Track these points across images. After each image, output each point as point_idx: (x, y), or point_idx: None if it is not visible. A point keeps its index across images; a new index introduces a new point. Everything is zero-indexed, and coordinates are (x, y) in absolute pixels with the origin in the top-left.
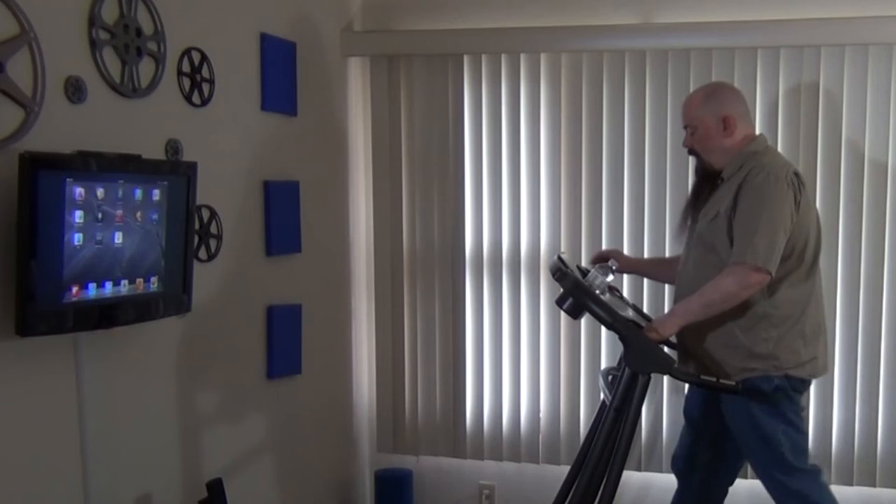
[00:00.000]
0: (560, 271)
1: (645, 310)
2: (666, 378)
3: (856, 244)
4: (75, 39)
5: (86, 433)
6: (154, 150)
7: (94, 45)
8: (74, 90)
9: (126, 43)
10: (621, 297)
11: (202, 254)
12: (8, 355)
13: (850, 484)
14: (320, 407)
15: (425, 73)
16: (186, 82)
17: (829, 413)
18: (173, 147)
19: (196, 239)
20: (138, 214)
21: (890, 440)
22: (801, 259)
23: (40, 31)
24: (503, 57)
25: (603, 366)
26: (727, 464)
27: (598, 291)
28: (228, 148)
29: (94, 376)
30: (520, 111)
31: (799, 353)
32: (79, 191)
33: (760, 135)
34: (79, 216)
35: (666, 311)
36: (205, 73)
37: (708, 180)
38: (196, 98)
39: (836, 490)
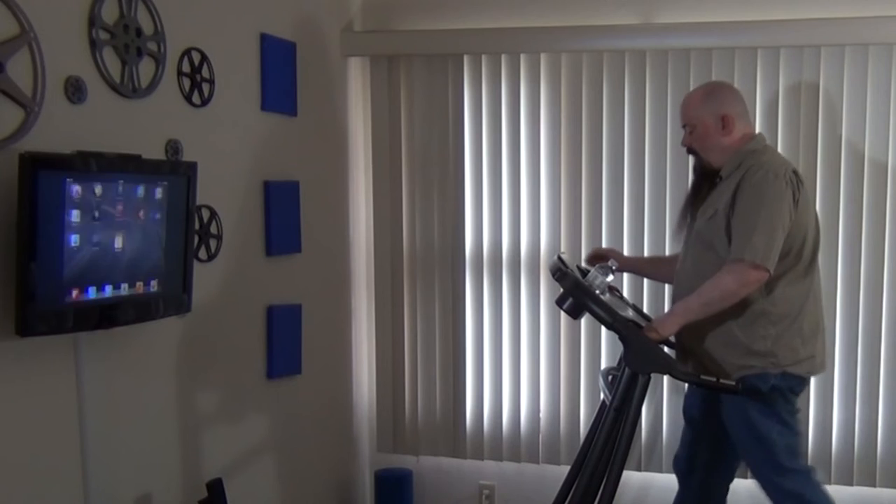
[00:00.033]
0: (560, 271)
1: (645, 310)
2: (666, 378)
3: (856, 244)
4: (75, 39)
5: (86, 433)
6: (154, 150)
7: (94, 45)
8: (74, 90)
9: (126, 43)
10: (621, 297)
11: (202, 254)
12: (8, 355)
13: (850, 484)
14: (320, 407)
15: (425, 73)
16: (186, 82)
17: (829, 413)
18: (173, 147)
19: (196, 239)
20: (140, 213)
21: (890, 440)
22: (800, 257)
23: (40, 31)
24: (503, 57)
25: (603, 366)
26: (726, 463)
27: (598, 291)
28: (228, 148)
29: (94, 376)
30: (520, 111)
31: (797, 351)
32: (78, 190)
33: (759, 133)
34: (79, 216)
35: (666, 310)
36: (205, 73)
37: (706, 179)
38: (196, 98)
39: (837, 490)
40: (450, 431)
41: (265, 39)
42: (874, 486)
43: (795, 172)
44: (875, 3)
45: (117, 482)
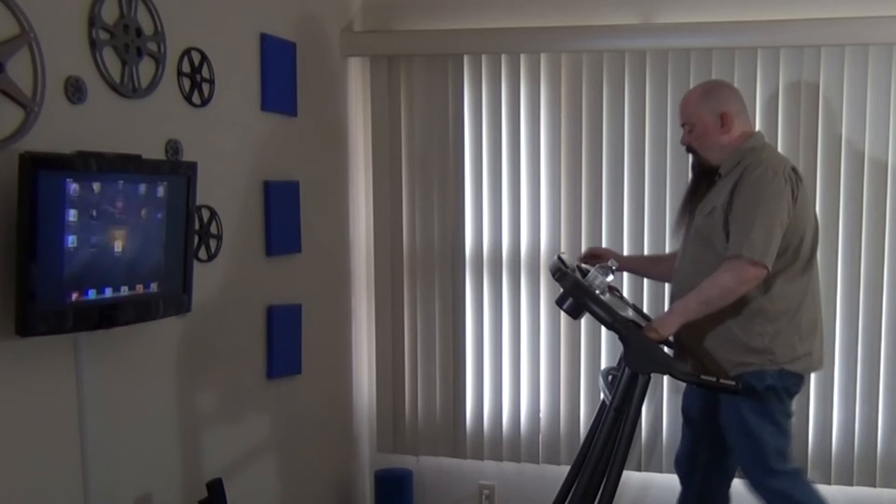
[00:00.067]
0: (560, 271)
1: (645, 310)
2: (666, 378)
3: (856, 244)
4: (75, 39)
5: (86, 433)
6: (154, 151)
7: (94, 45)
8: (74, 90)
9: (126, 43)
10: (621, 297)
11: (202, 254)
12: (8, 355)
13: (850, 484)
14: (320, 407)
15: (425, 73)
16: (186, 82)
17: (829, 413)
18: (173, 147)
19: (196, 239)
20: (141, 213)
21: (890, 440)
22: (798, 254)
23: (40, 31)
24: (503, 57)
25: (603, 366)
26: (727, 463)
27: (598, 291)
28: (228, 148)
29: (94, 376)
30: (520, 111)
31: (795, 348)
32: (78, 190)
33: (758, 132)
34: (79, 216)
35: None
36: (205, 73)
37: (705, 177)
38: (196, 98)
39: (837, 490)
40: (450, 431)
41: (265, 39)
42: (874, 486)
43: (794, 170)
44: (875, 3)
45: (117, 482)
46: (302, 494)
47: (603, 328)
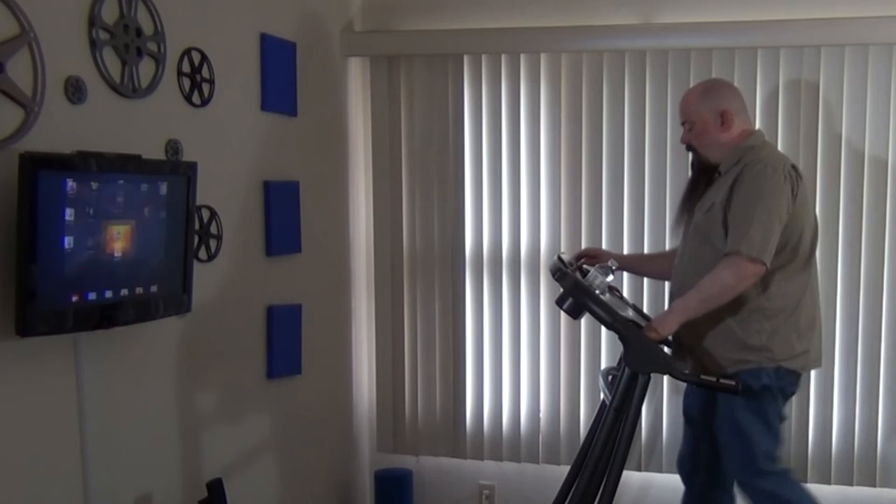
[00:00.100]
0: (560, 271)
1: (645, 309)
2: (666, 378)
3: (856, 244)
4: (75, 39)
5: (86, 433)
6: (154, 150)
7: (94, 45)
8: (74, 90)
9: (126, 43)
10: (621, 297)
11: (202, 254)
12: (8, 355)
13: (851, 484)
14: (320, 407)
15: (425, 73)
16: (186, 82)
17: (829, 413)
18: (173, 147)
19: (196, 239)
20: (143, 212)
21: (890, 440)
22: (796, 252)
23: (40, 31)
24: (503, 57)
25: (603, 366)
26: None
27: (598, 291)
28: (228, 148)
29: (94, 376)
30: (520, 111)
31: (792, 346)
32: (77, 190)
33: (758, 130)
34: (78, 216)
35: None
36: (205, 73)
37: (704, 174)
38: (196, 98)
39: (837, 490)
40: (450, 431)
41: (265, 39)
42: (874, 486)
43: (794, 167)
44: (875, 3)
45: (117, 482)
46: (302, 494)
47: (603, 328)
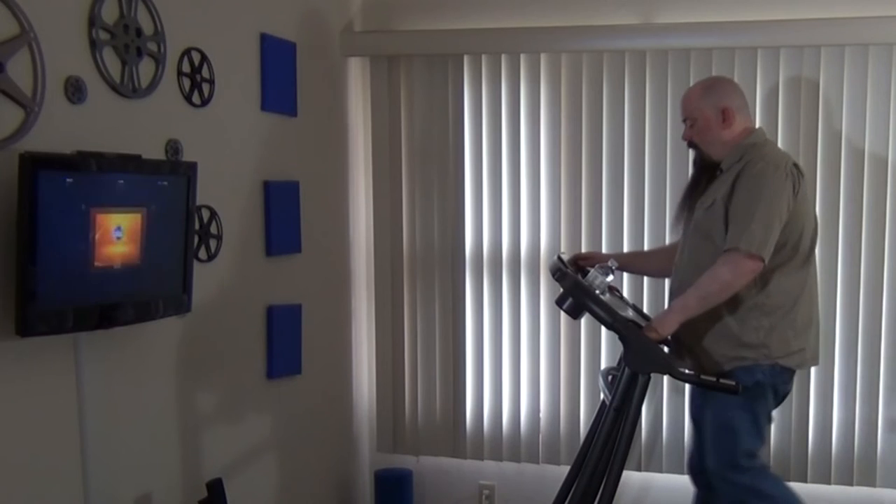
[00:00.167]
0: (560, 271)
1: (645, 309)
2: (666, 378)
3: (856, 243)
4: (75, 39)
5: (86, 433)
6: (154, 150)
7: (94, 45)
8: (74, 90)
9: (126, 43)
10: (621, 297)
11: (202, 254)
12: (8, 355)
13: (850, 484)
14: (320, 407)
15: (425, 73)
16: (186, 82)
17: (829, 413)
18: (173, 147)
19: (196, 239)
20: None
21: (890, 440)
22: (796, 250)
23: (40, 31)
24: (503, 57)
25: (603, 366)
26: None
27: (598, 291)
28: (228, 148)
29: (94, 376)
30: (520, 111)
31: (789, 343)
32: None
33: (759, 128)
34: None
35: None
36: (205, 73)
37: (706, 172)
38: (196, 98)
39: (837, 490)
40: (450, 431)
41: (265, 39)
42: (874, 486)
43: (796, 165)
44: (875, 3)
45: (117, 482)
46: (302, 494)
47: (603, 328)
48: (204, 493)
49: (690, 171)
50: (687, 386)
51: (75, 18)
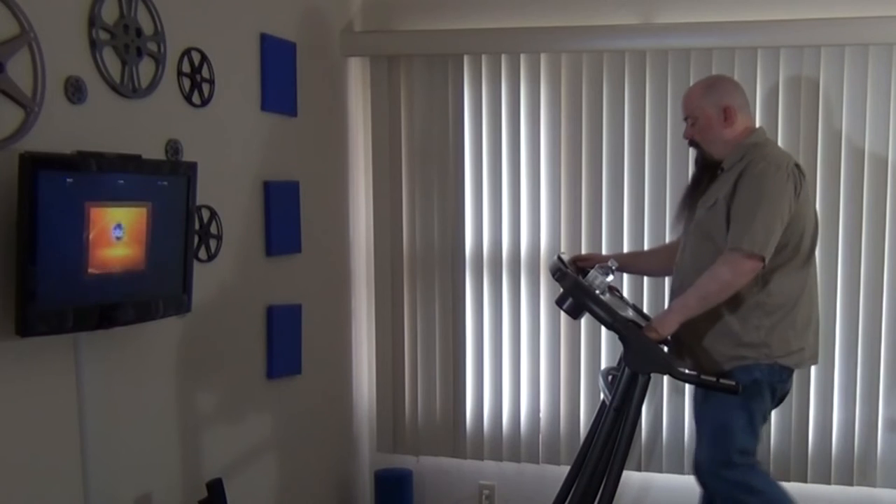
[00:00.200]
0: (560, 271)
1: (645, 309)
2: (666, 378)
3: (856, 243)
4: (75, 39)
5: (86, 433)
6: (154, 150)
7: (94, 45)
8: (74, 90)
9: (126, 43)
10: (621, 297)
11: (202, 254)
12: (8, 355)
13: (850, 484)
14: (320, 407)
15: (425, 73)
16: (186, 82)
17: (829, 413)
18: (173, 147)
19: (196, 239)
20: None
21: (890, 440)
22: (797, 250)
23: (40, 31)
24: (503, 57)
25: (603, 366)
26: None
27: (598, 291)
28: (228, 148)
29: (94, 376)
30: (520, 111)
31: (789, 343)
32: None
33: (760, 127)
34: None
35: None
36: (205, 73)
37: (707, 171)
38: (196, 98)
39: (837, 490)
40: (450, 431)
41: (265, 39)
42: (874, 486)
43: (797, 165)
44: (875, 3)
45: (117, 482)
46: (302, 494)
47: (603, 328)
48: (204, 493)
49: (691, 170)
50: (688, 385)
51: (75, 18)
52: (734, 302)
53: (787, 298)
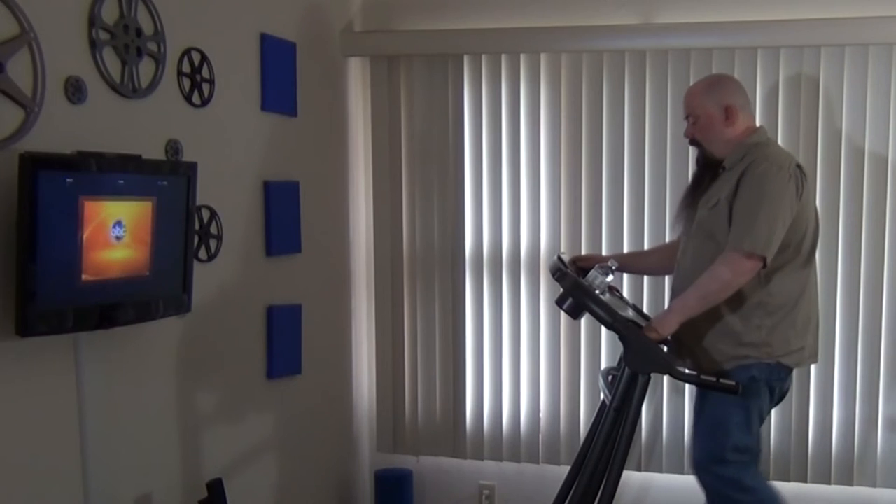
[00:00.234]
0: (560, 271)
1: (645, 309)
2: (666, 378)
3: (856, 243)
4: (75, 39)
5: (86, 433)
6: (154, 150)
7: (94, 45)
8: (74, 90)
9: (126, 43)
10: (621, 297)
11: (202, 254)
12: (8, 355)
13: (851, 484)
14: (320, 407)
15: (425, 73)
16: (186, 82)
17: (829, 413)
18: (173, 147)
19: (196, 239)
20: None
21: (890, 440)
22: (799, 250)
23: (40, 31)
24: (503, 57)
25: (603, 366)
26: None
27: (598, 291)
28: (228, 148)
29: (94, 376)
30: (520, 111)
31: (790, 342)
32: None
33: (761, 126)
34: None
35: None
36: (205, 73)
37: (709, 170)
38: (196, 98)
39: (836, 490)
40: (450, 431)
41: (265, 39)
42: (874, 486)
43: (799, 166)
44: (875, 3)
45: (117, 482)
46: (302, 494)
47: (603, 328)
48: (204, 493)
49: (691, 170)
50: (688, 385)
51: (75, 18)
52: (735, 301)
53: (788, 298)
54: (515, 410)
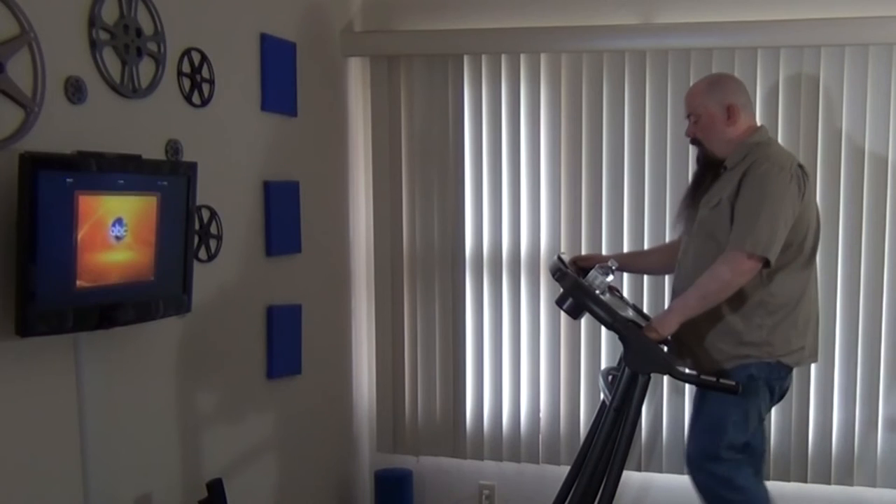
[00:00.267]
0: (560, 271)
1: (645, 309)
2: (666, 378)
3: (856, 243)
4: (75, 39)
5: (86, 433)
6: (154, 150)
7: (94, 45)
8: (74, 90)
9: (126, 43)
10: (621, 297)
11: (202, 254)
12: (8, 355)
13: (851, 484)
14: (320, 407)
15: (425, 73)
16: (186, 82)
17: (829, 413)
18: (173, 147)
19: (196, 239)
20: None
21: (890, 440)
22: (801, 250)
23: (40, 31)
24: (503, 57)
25: (603, 366)
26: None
27: (598, 291)
28: (228, 148)
29: (94, 376)
30: (520, 111)
31: (790, 342)
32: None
33: (762, 126)
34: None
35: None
36: (205, 73)
37: (710, 169)
38: (196, 98)
39: (837, 490)
40: (450, 431)
41: (265, 39)
42: (874, 486)
43: (801, 166)
44: (875, 3)
45: (117, 482)
46: (302, 494)
47: (603, 328)
48: (204, 493)
49: (691, 170)
50: (684, 388)
51: (75, 18)
52: (736, 301)
53: (789, 298)
54: (515, 410)
